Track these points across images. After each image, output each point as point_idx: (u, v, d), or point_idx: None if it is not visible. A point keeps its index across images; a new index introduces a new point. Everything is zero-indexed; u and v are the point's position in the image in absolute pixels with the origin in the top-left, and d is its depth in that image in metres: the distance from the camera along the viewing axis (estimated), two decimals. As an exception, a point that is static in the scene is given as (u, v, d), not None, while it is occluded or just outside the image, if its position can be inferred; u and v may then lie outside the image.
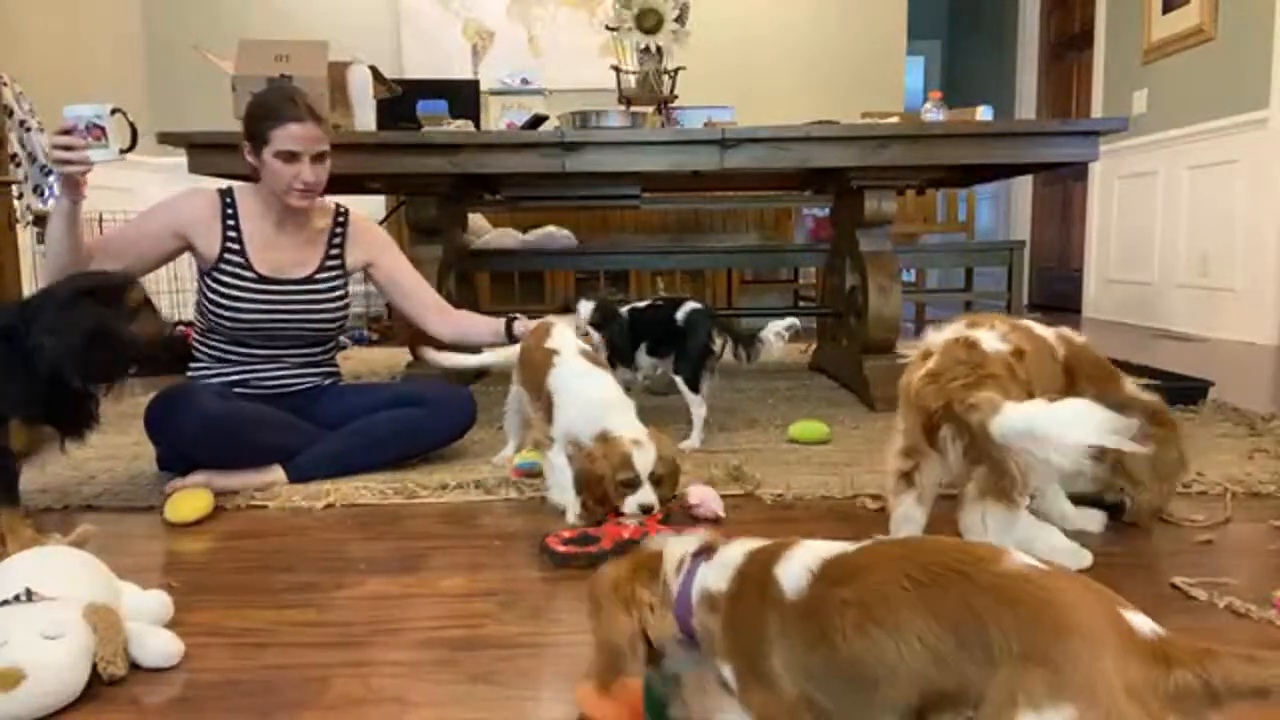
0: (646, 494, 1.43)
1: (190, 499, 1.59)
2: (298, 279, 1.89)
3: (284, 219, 1.88)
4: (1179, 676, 0.58)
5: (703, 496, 1.58)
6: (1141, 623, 0.61)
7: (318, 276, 1.91)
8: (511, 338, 1.91)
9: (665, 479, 1.49)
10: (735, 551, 0.80)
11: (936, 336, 1.31)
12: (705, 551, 0.81)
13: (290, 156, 1.74)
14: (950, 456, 1.22)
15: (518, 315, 1.97)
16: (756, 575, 0.76)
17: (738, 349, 2.10)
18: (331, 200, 2.01)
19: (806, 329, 4.80)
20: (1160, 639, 0.60)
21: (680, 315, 2.13)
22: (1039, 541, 1.24)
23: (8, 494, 1.40)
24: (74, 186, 1.61)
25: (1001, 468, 1.16)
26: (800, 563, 0.74)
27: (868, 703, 0.67)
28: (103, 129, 1.59)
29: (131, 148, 1.67)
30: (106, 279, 1.50)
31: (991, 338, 1.27)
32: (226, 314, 1.83)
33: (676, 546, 0.82)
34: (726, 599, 0.76)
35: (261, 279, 1.84)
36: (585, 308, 2.06)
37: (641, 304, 2.26)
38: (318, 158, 1.78)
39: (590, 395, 1.56)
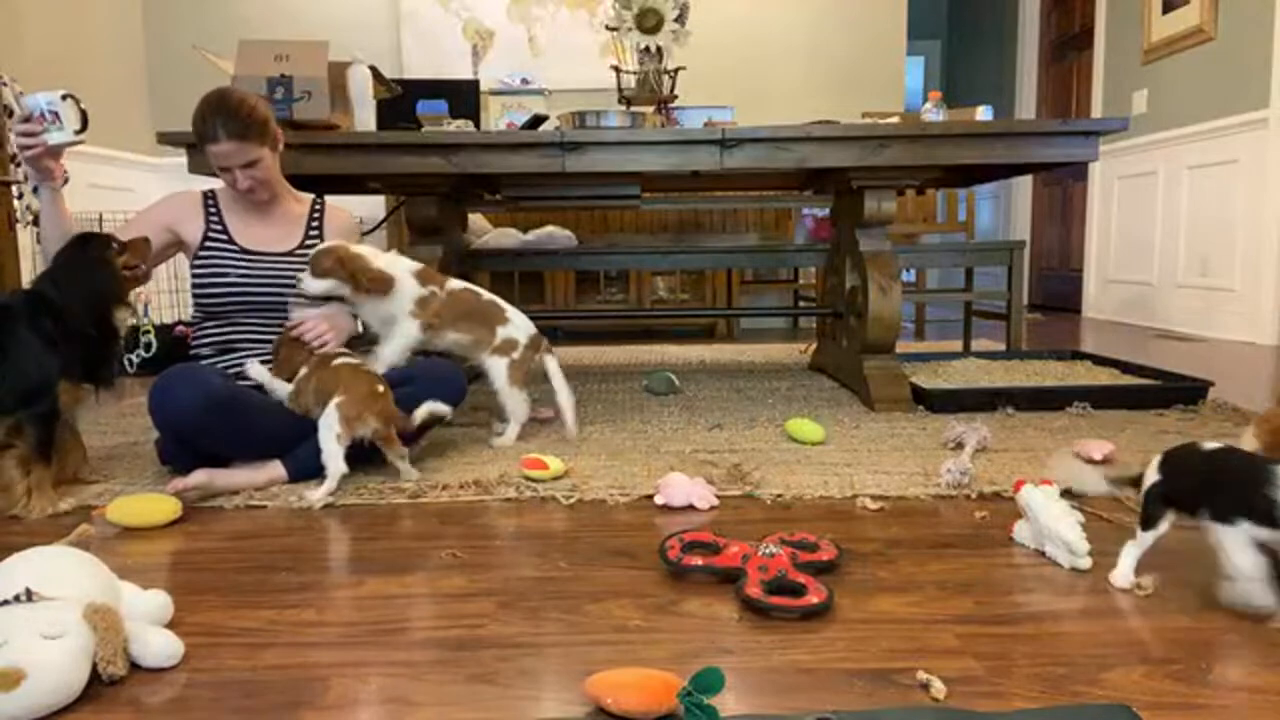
0: None
1: (151, 501, 1.56)
2: (279, 252, 2.00)
3: (261, 209, 2.03)
4: None
5: (687, 494, 1.58)
6: None
7: (298, 251, 2.02)
8: None
9: None
10: None
11: None
12: None
13: (223, 169, 1.91)
14: None
15: None
16: None
17: None
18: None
19: (806, 329, 4.82)
20: None
21: None
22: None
23: (42, 453, 1.61)
24: (45, 171, 1.75)
25: None
26: None
27: None
28: (57, 114, 1.71)
29: (83, 129, 1.76)
30: (87, 233, 1.75)
31: None
32: (213, 287, 1.94)
33: None
34: None
35: (244, 251, 1.98)
36: None
37: None
38: (247, 165, 1.90)
39: None
